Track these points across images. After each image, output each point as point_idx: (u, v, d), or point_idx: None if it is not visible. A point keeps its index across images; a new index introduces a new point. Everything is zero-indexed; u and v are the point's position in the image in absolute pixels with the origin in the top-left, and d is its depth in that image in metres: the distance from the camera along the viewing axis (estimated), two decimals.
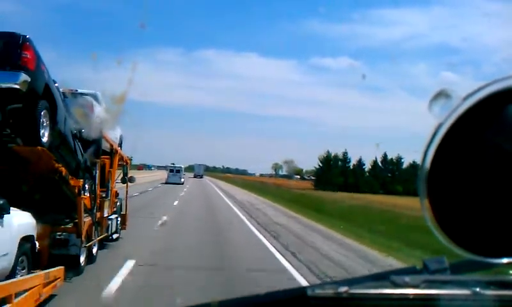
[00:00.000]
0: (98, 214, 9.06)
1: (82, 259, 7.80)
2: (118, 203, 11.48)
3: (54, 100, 6.71)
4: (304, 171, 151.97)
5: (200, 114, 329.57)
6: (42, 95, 6.25)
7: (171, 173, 52.39)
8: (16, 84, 5.73)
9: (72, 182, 7.39)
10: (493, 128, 0.84)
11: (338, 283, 0.93)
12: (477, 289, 0.89)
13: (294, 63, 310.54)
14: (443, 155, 0.83)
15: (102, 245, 9.80)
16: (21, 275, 5.68)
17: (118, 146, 11.25)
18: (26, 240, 5.81)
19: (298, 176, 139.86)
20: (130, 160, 13.17)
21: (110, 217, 10.24)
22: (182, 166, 56.13)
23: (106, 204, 9.77)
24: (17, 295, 5.03)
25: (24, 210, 6.18)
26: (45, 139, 6.34)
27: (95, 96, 9.40)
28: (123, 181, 12.16)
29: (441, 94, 0.84)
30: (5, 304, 4.75)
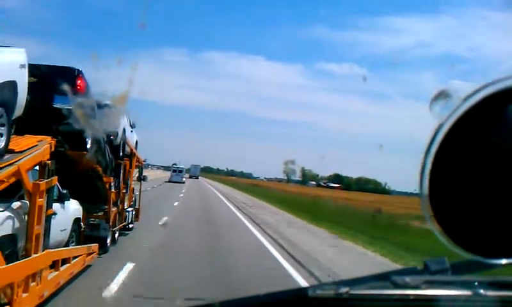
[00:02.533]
0: (120, 206, 11.07)
1: (108, 240, 9.80)
2: (133, 198, 13.50)
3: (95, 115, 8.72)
4: (319, 176, 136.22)
5: (203, 115, 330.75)
6: None
7: (174, 173, 58.47)
8: (72, 105, 7.73)
9: (104, 179, 9.41)
10: (494, 128, 0.84)
11: (338, 283, 0.94)
12: (478, 290, 0.90)
13: (300, 68, 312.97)
14: (444, 155, 0.83)
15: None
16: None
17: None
18: (76, 221, 7.84)
19: (314, 183, 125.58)
20: (144, 161, 15.18)
21: (128, 210, 12.25)
22: (184, 167, 63.50)
23: (126, 198, 11.78)
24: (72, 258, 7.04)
25: None
26: (88, 146, 8.34)
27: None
28: (138, 179, 14.22)
29: (442, 95, 0.84)
30: (65, 263, 6.75)
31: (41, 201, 5.45)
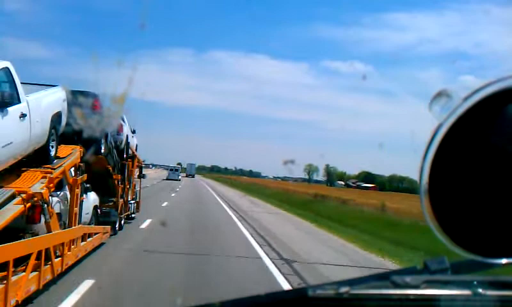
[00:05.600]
0: (125, 198, 13.66)
1: (117, 225, 12.39)
2: (135, 193, 16.10)
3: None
4: (346, 174, 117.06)
5: (210, 115, 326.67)
6: None
7: (171, 172, 64.25)
8: (90, 121, 10.29)
9: (114, 176, 12.00)
10: (493, 128, 0.84)
11: (339, 283, 0.94)
12: (478, 289, 0.89)
13: (306, 66, 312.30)
14: (444, 155, 0.83)
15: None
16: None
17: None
18: (95, 207, 10.43)
19: (342, 182, 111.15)
20: (143, 162, 17.80)
21: (130, 202, 14.87)
22: (179, 166, 71.75)
23: (129, 192, 14.39)
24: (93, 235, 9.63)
25: None
26: (102, 151, 10.91)
27: (122, 119, 13.94)
28: (139, 177, 16.83)
29: (442, 94, 0.84)
30: (90, 237, 9.32)
31: (78, 190, 8.05)
